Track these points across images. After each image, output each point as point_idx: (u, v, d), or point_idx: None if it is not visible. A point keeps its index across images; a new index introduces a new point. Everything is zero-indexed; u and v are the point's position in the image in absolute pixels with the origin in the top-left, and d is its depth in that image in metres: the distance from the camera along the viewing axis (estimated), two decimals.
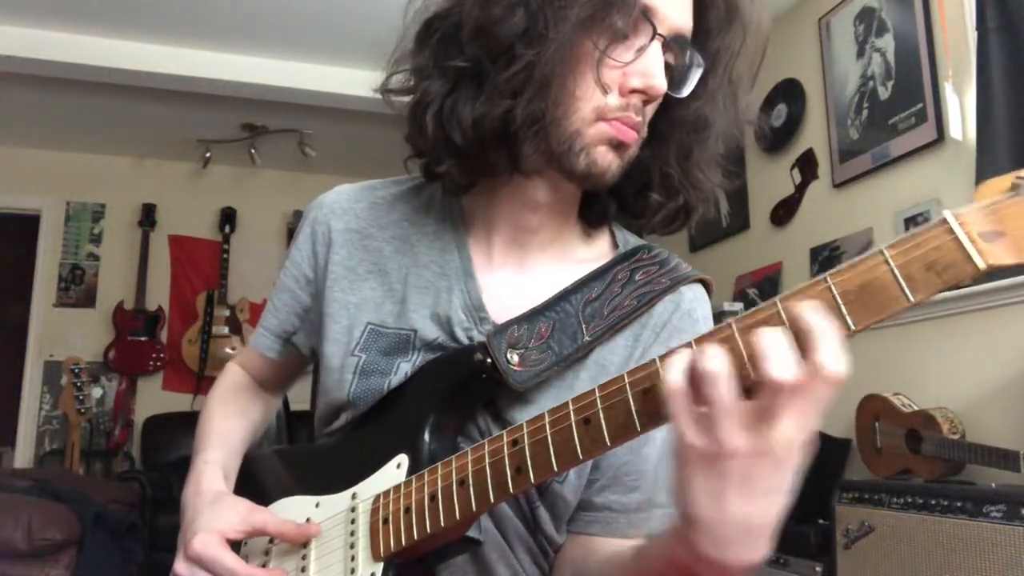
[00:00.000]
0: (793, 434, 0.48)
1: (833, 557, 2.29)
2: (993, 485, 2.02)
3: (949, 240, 0.47)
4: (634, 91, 0.72)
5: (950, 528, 1.96)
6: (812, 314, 0.48)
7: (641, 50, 0.72)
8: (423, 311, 0.81)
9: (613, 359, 0.79)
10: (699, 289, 0.85)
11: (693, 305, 0.82)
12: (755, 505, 0.50)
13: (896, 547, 2.09)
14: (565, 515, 0.78)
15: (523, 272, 0.84)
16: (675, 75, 0.77)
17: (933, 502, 2.02)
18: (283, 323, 0.93)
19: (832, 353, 0.47)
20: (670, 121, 0.80)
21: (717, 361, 0.49)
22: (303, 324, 0.92)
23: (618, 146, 0.74)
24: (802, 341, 0.48)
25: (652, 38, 0.72)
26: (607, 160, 0.74)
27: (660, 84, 0.72)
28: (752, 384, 0.49)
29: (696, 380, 0.50)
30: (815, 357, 0.47)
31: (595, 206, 0.87)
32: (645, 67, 0.72)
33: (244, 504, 0.79)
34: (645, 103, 0.74)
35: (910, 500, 2.09)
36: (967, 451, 2.21)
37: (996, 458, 2.09)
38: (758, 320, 0.51)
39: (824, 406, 0.48)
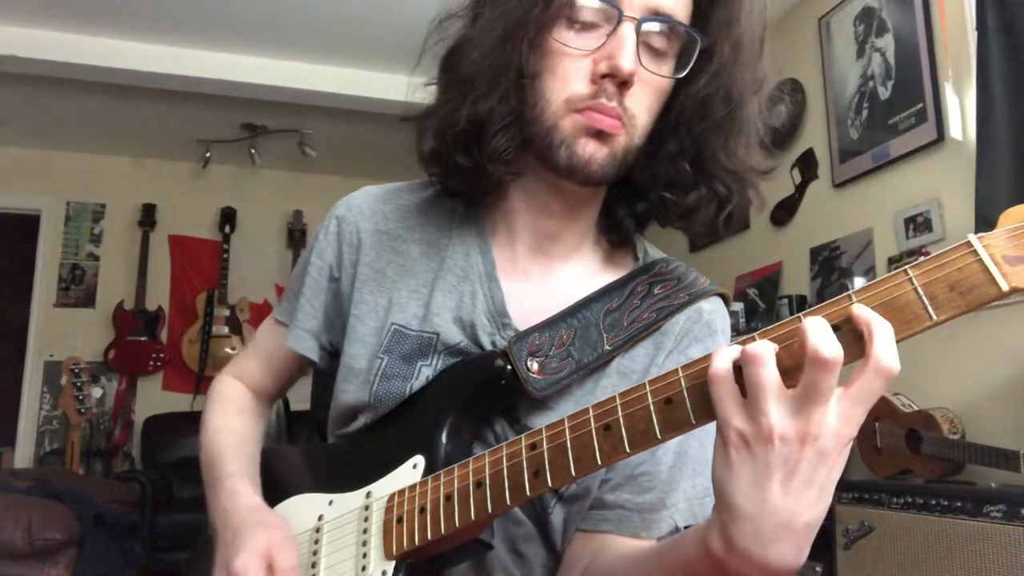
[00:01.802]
0: (840, 425, 0.49)
1: (833, 557, 2.29)
2: (993, 485, 2.03)
3: (973, 262, 0.48)
4: (604, 76, 0.72)
5: (950, 528, 1.96)
6: (868, 310, 0.49)
7: (611, 35, 0.71)
8: (446, 314, 0.81)
9: (635, 367, 0.79)
10: (717, 301, 0.85)
11: (712, 316, 0.83)
12: (797, 499, 0.49)
13: (896, 547, 2.09)
14: (578, 519, 0.78)
15: (547, 279, 0.84)
16: (671, 57, 0.75)
17: (933, 502, 2.03)
18: (320, 324, 0.91)
19: (886, 346, 0.48)
20: (678, 109, 0.78)
21: (762, 345, 0.50)
22: (331, 326, 0.91)
23: (599, 135, 0.73)
24: (857, 335, 0.49)
25: (619, 21, 0.71)
26: (588, 151, 0.73)
27: (625, 64, 0.70)
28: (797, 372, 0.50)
29: (742, 364, 0.51)
30: (869, 348, 0.48)
31: (616, 217, 0.86)
32: (611, 50, 0.71)
33: (278, 534, 0.75)
34: (621, 87, 0.72)
35: (910, 500, 2.09)
36: (967, 451, 2.21)
37: (996, 458, 2.09)
38: (788, 331, 0.52)
39: (873, 401, 0.49)
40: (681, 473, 0.78)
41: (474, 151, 0.76)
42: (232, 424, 0.93)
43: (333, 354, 0.92)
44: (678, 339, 0.80)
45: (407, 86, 0.84)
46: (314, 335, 0.90)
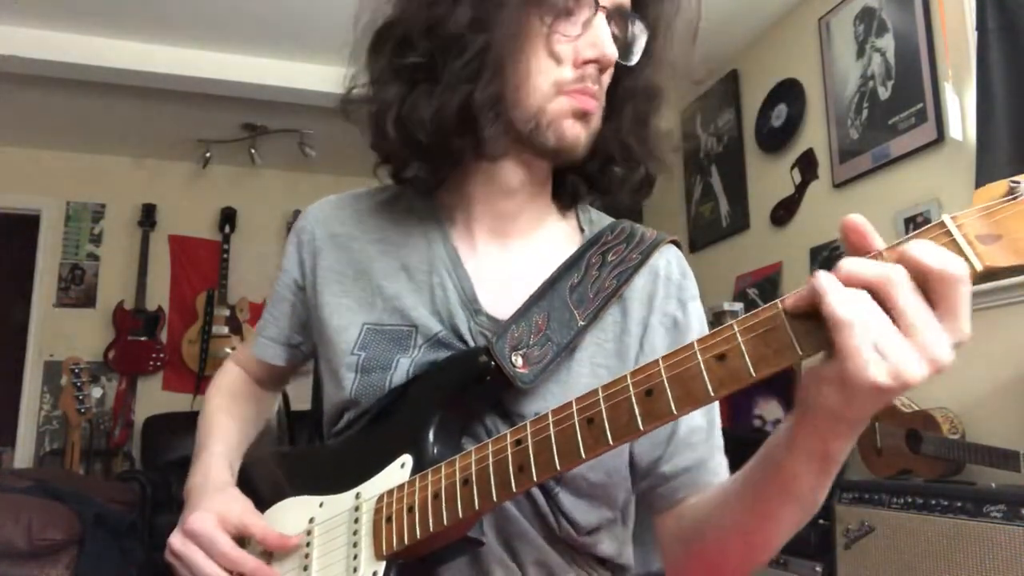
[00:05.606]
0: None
1: (833, 557, 2.29)
2: (993, 485, 2.02)
3: (947, 243, 0.48)
4: (587, 61, 0.77)
5: (950, 528, 1.96)
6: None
7: (587, 23, 0.77)
8: (422, 309, 0.82)
9: (607, 336, 0.81)
10: (669, 250, 0.87)
11: (669, 270, 0.85)
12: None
13: (896, 547, 2.09)
14: (590, 491, 0.79)
15: (507, 257, 0.86)
16: (622, 45, 0.81)
17: (933, 502, 2.02)
18: (283, 331, 0.96)
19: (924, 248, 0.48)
20: (623, 92, 0.84)
21: (895, 271, 0.48)
22: (302, 329, 0.95)
23: (582, 116, 0.78)
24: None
25: (596, 10, 0.77)
26: (574, 132, 0.78)
27: (611, 52, 0.77)
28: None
29: (878, 291, 0.48)
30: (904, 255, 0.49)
31: (565, 187, 0.90)
32: (595, 37, 0.77)
33: (244, 502, 0.81)
34: (600, 71, 0.78)
35: (910, 500, 2.09)
36: (967, 451, 2.21)
37: (996, 458, 2.09)
38: (765, 318, 0.53)
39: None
40: (713, 413, 0.81)
41: (467, 137, 0.78)
42: (228, 409, 0.98)
43: (311, 355, 0.97)
44: (647, 302, 0.83)
45: None
46: (277, 341, 0.96)
